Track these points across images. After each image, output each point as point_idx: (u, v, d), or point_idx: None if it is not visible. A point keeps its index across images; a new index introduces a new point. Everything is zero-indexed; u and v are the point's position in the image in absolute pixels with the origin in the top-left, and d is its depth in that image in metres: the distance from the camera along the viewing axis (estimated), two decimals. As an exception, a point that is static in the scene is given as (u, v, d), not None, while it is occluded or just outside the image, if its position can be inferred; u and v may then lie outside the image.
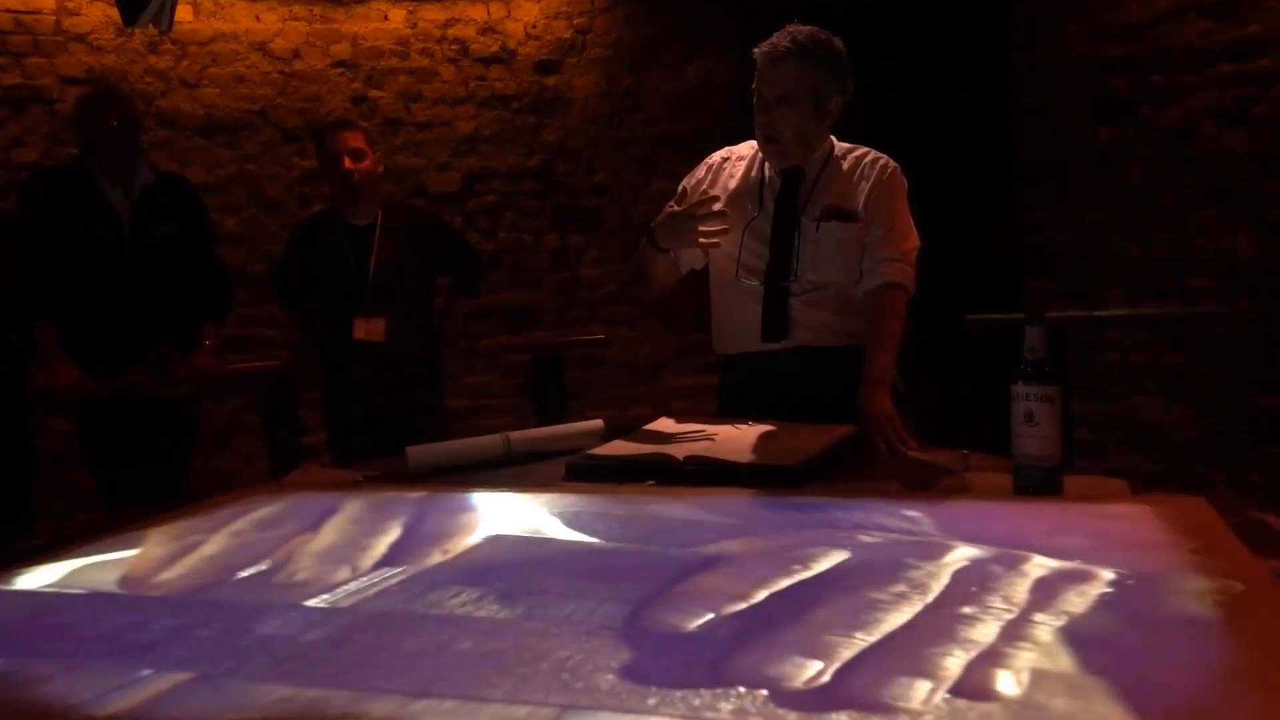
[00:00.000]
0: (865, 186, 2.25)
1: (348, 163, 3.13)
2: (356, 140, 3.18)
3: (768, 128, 2.21)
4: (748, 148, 2.36)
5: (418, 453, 1.96)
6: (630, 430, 2.06)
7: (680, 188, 2.39)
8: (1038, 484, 1.53)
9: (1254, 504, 1.50)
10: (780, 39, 2.17)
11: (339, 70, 4.79)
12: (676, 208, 2.20)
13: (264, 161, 4.72)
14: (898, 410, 2.06)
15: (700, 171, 2.39)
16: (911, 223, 2.28)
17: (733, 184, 2.32)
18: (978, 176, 4.51)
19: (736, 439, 1.91)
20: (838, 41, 2.20)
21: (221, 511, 1.62)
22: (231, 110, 4.67)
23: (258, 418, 4.04)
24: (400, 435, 2.28)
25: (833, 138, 2.32)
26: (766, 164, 2.30)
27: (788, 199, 2.25)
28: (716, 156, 2.40)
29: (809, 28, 2.18)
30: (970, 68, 4.56)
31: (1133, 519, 1.33)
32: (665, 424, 2.09)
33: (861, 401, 2.07)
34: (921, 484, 1.66)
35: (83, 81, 4.39)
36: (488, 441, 2.03)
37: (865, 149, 2.33)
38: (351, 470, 2.02)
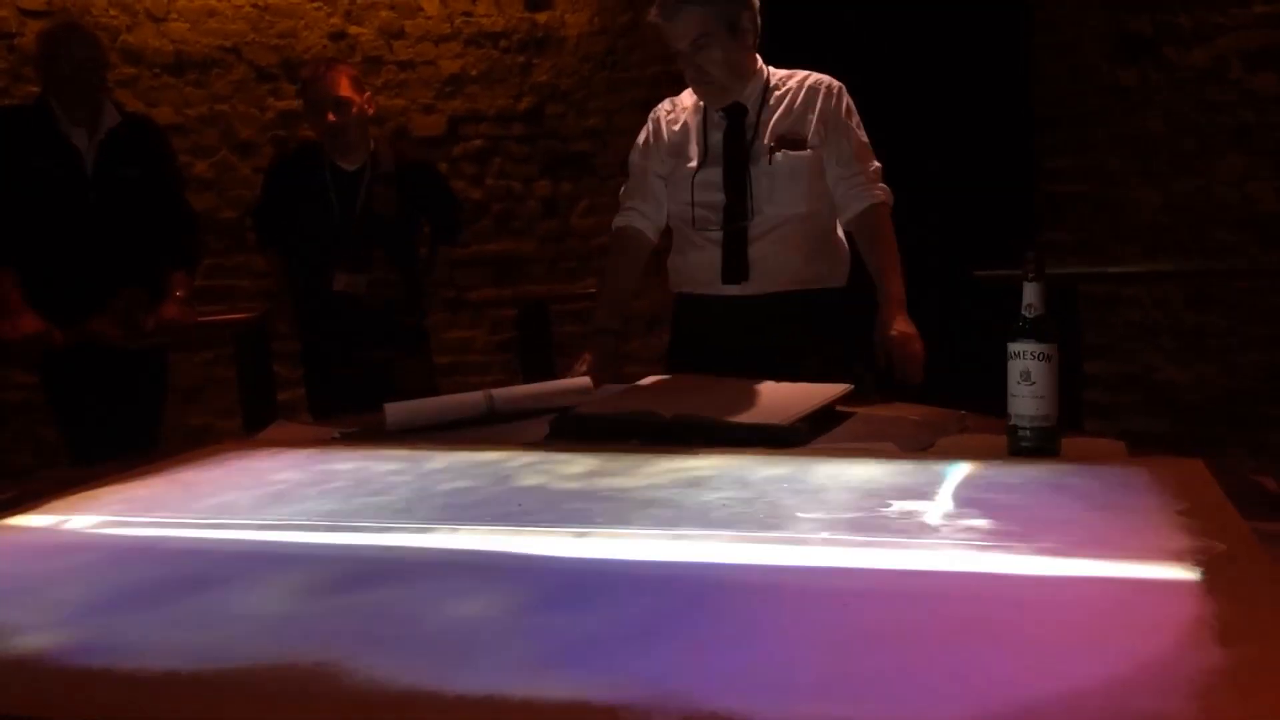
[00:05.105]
0: (812, 113, 2.33)
1: (331, 117, 3.13)
2: (342, 86, 3.15)
3: (697, 76, 2.29)
4: (689, 95, 2.43)
5: (396, 410, 2.00)
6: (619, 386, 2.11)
7: (629, 161, 2.49)
8: (1033, 445, 1.57)
9: (1268, 467, 1.53)
10: None
11: (316, 4, 4.77)
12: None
13: (236, 101, 4.71)
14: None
15: (641, 136, 2.48)
16: (868, 141, 2.36)
17: (672, 134, 2.41)
18: (989, 121, 4.50)
19: (727, 396, 1.95)
20: None
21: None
22: (202, 47, 4.66)
23: (230, 371, 4.08)
24: (382, 391, 2.32)
25: (767, 66, 2.39)
26: (708, 108, 2.37)
27: (734, 138, 2.34)
28: (661, 109, 2.48)
29: None
30: (984, 3, 4.54)
31: (1125, 481, 1.38)
32: (654, 381, 2.13)
33: (880, 325, 2.22)
34: (918, 445, 1.70)
35: (43, 14, 4.38)
36: (469, 398, 2.07)
37: (803, 73, 2.40)
38: (328, 427, 2.07)
